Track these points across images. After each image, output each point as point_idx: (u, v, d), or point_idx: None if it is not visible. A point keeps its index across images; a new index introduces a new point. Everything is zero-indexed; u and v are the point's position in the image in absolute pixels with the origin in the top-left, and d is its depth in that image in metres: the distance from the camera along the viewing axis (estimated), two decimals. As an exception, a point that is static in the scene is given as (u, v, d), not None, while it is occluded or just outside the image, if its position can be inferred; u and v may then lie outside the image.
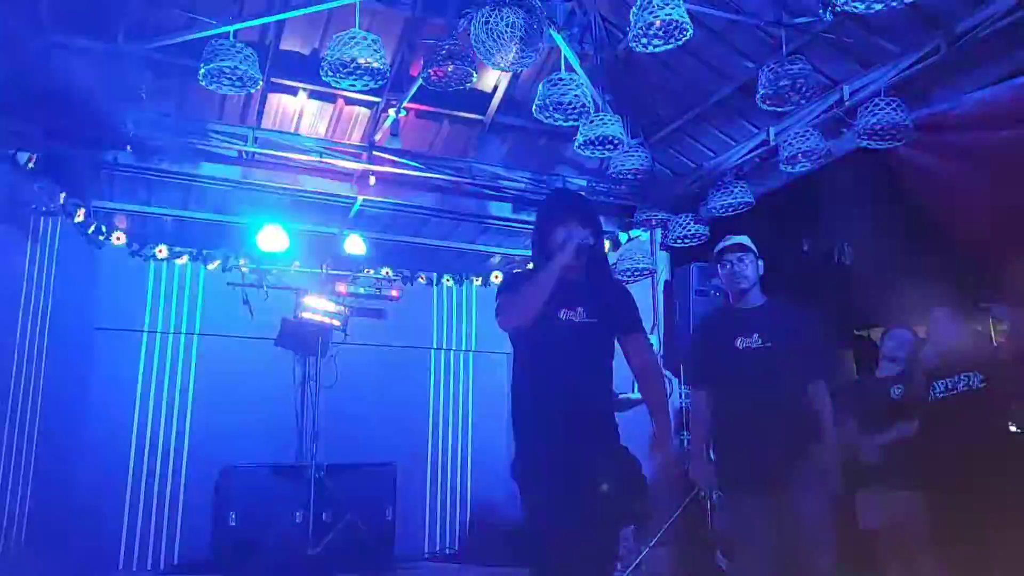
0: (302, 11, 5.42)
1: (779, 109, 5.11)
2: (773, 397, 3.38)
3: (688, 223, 6.70)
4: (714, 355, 3.55)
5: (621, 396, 7.02)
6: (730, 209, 6.13)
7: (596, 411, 2.85)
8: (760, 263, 3.72)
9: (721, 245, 3.68)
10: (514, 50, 4.38)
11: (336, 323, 7.35)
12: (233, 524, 6.51)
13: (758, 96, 4.91)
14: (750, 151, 6.24)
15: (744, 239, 3.65)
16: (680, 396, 7.20)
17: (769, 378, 3.38)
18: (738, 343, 3.53)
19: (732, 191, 6.12)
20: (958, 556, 4.48)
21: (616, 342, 3.00)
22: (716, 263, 3.67)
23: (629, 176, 6.03)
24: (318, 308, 7.29)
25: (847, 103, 5.31)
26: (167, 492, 7.11)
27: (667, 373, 6.94)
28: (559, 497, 2.69)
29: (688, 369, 3.92)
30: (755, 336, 3.50)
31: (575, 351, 2.84)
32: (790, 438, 3.37)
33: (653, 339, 7.04)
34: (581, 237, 2.85)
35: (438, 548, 7.92)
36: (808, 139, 5.37)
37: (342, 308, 7.50)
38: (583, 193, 3.14)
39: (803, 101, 4.94)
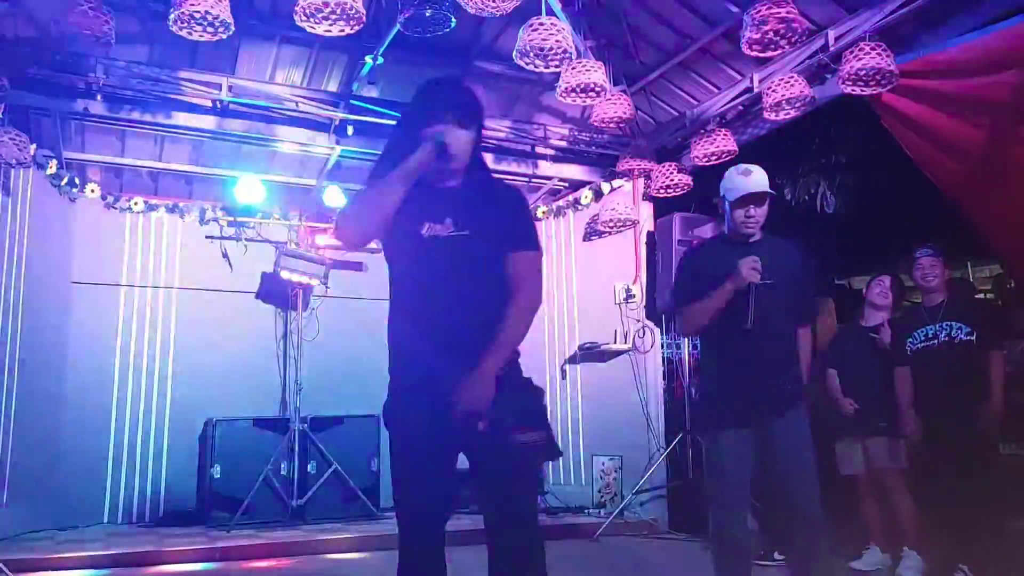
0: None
1: (763, 55, 5.04)
2: (769, 335, 3.30)
3: (671, 172, 6.65)
4: (708, 287, 3.39)
5: (603, 346, 7.09)
6: (713, 158, 6.09)
7: (472, 337, 2.32)
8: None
9: (744, 190, 3.36)
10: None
11: (316, 276, 7.29)
12: (217, 477, 6.52)
13: (742, 41, 4.83)
14: (733, 98, 6.17)
15: (765, 181, 3.39)
16: (663, 347, 7.24)
17: (766, 316, 3.28)
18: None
19: (715, 139, 6.07)
20: (934, 499, 4.58)
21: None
22: (733, 206, 3.38)
23: (611, 125, 5.97)
24: (297, 268, 7.21)
25: (832, 48, 5.24)
26: (150, 446, 7.10)
27: (649, 324, 6.97)
28: (425, 449, 2.38)
29: (675, 297, 3.72)
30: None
31: (442, 271, 2.36)
32: (780, 377, 3.31)
33: (635, 289, 7.04)
34: (445, 135, 2.33)
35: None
36: (792, 86, 5.31)
37: (322, 261, 7.42)
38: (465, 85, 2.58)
39: (788, 47, 4.88)
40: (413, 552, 2.40)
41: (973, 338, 4.42)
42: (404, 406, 2.43)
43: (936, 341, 4.52)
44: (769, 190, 3.41)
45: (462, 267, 2.38)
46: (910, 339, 4.61)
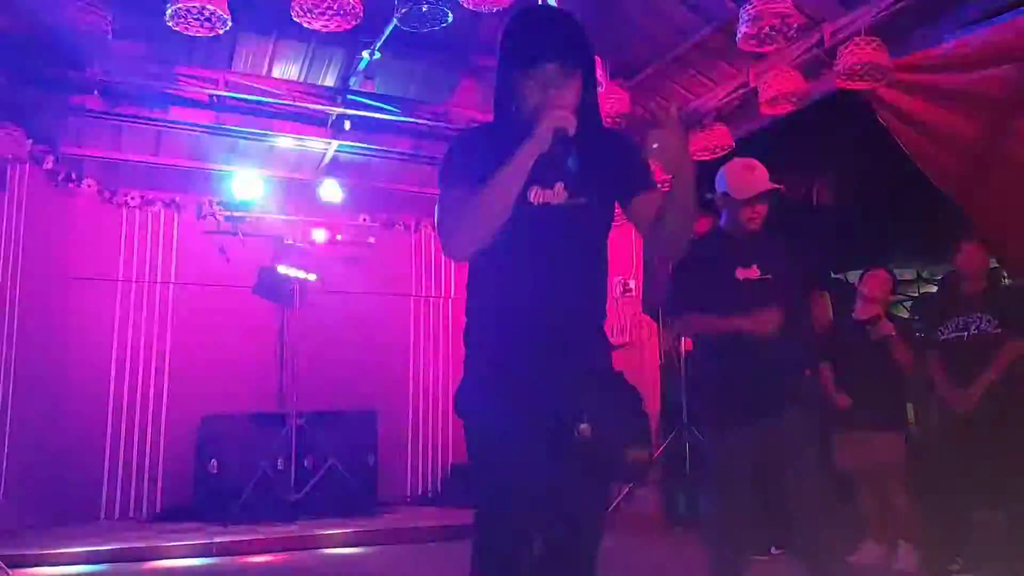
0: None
1: (759, 50, 5.05)
2: (769, 332, 3.22)
3: (667, 167, 6.65)
4: (708, 284, 3.33)
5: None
6: (710, 152, 6.10)
7: (583, 327, 2.07)
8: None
9: (756, 189, 3.30)
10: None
11: (312, 277, 7.29)
12: (214, 472, 6.53)
13: (738, 36, 4.84)
14: (730, 93, 6.18)
15: (768, 175, 3.33)
16: (660, 340, 7.25)
17: (765, 311, 3.21)
18: (738, 274, 3.30)
19: (712, 134, 6.08)
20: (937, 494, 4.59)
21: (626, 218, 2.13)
22: (742, 204, 3.32)
23: (608, 119, 5.97)
24: (294, 262, 7.22)
25: (828, 43, 5.25)
26: (148, 441, 7.11)
27: (646, 318, 6.99)
28: (522, 441, 1.96)
29: (672, 299, 3.66)
30: (753, 267, 3.32)
31: (552, 246, 2.02)
32: (781, 374, 3.27)
33: (632, 283, 7.06)
34: (558, 119, 1.92)
35: (420, 492, 8.01)
36: (788, 80, 5.32)
37: (319, 255, 7.43)
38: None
39: (784, 41, 4.88)
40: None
41: (999, 331, 4.42)
42: (498, 400, 2.03)
43: (966, 333, 4.50)
44: (772, 190, 3.38)
45: (577, 241, 2.06)
46: (941, 326, 4.60)
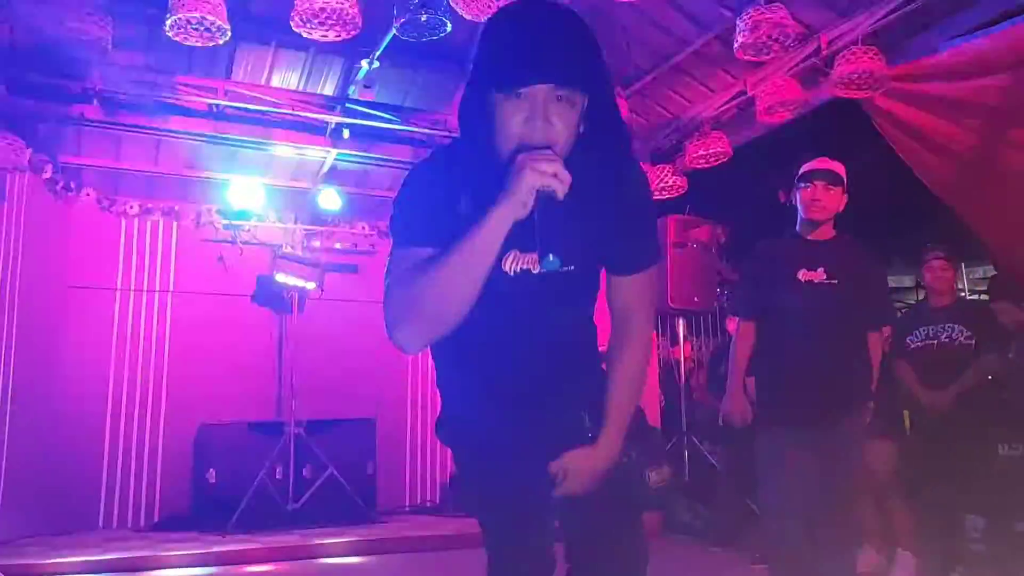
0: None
1: (756, 59, 5.07)
2: (829, 335, 3.23)
3: (666, 175, 6.68)
4: (769, 286, 3.34)
5: (600, 348, 7.09)
6: (708, 160, 6.12)
7: (576, 405, 1.77)
8: (845, 197, 3.43)
9: (810, 166, 3.37)
10: (489, -2, 4.29)
11: (312, 279, 7.29)
12: (212, 481, 6.51)
13: (735, 45, 4.86)
14: (727, 101, 6.20)
15: (837, 166, 3.35)
16: (659, 348, 7.25)
17: (830, 316, 3.22)
18: (801, 276, 3.30)
19: (709, 142, 6.10)
20: (928, 501, 4.62)
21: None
22: (799, 181, 3.36)
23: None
24: (292, 271, 7.22)
25: (824, 52, 5.27)
26: (145, 450, 7.09)
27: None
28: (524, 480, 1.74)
29: (735, 298, 3.71)
30: (820, 270, 3.29)
31: (533, 321, 1.70)
32: (844, 381, 3.24)
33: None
34: (543, 176, 1.41)
35: (419, 501, 7.99)
36: (786, 88, 5.34)
37: (318, 263, 7.43)
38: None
39: (780, 50, 4.91)
40: None
41: (972, 342, 4.49)
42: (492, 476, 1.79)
43: (935, 341, 4.58)
44: (839, 172, 3.34)
45: (562, 312, 1.75)
46: (910, 336, 4.67)
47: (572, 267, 1.58)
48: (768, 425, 3.37)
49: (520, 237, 1.49)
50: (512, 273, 1.62)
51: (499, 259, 1.53)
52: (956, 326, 4.56)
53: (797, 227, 3.47)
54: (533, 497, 1.76)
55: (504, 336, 1.69)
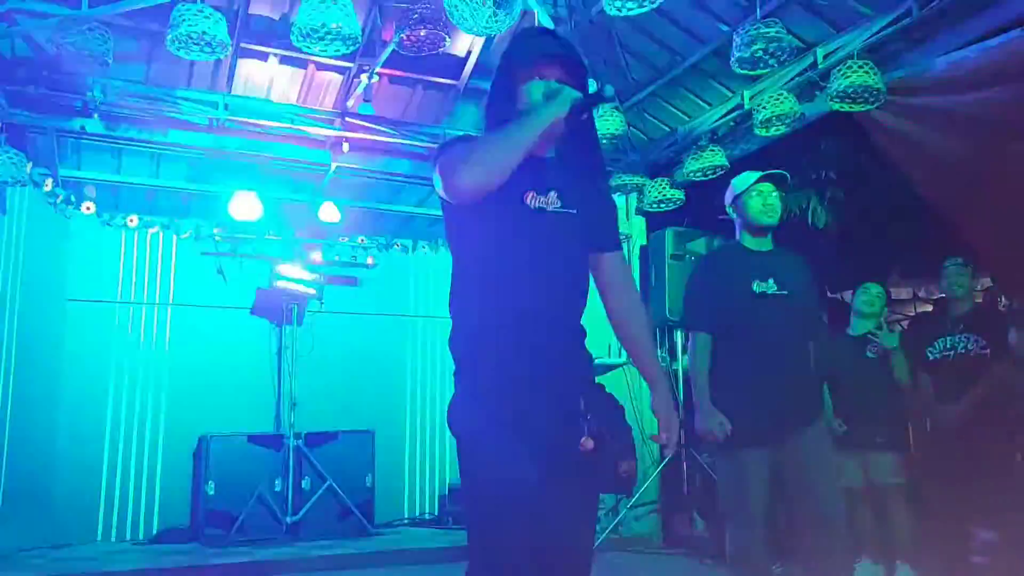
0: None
1: (752, 73, 5.11)
2: (785, 347, 3.25)
3: (663, 188, 6.71)
4: (725, 298, 3.33)
5: (597, 360, 7.10)
6: (705, 173, 6.15)
7: (573, 332, 2.11)
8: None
9: (759, 174, 3.41)
10: (487, 14, 4.33)
11: (311, 292, 7.31)
12: (211, 493, 6.50)
13: (732, 59, 4.90)
14: (724, 115, 6.24)
15: (785, 174, 3.40)
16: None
17: (782, 327, 3.24)
18: (755, 287, 3.30)
19: (707, 155, 6.13)
20: (935, 513, 4.61)
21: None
22: (749, 196, 3.37)
23: (604, 141, 6.01)
24: (292, 277, 7.25)
25: (820, 66, 5.31)
26: (144, 463, 7.09)
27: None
28: (518, 453, 1.93)
29: (687, 311, 3.66)
30: (770, 281, 3.30)
31: (548, 249, 2.06)
32: (801, 392, 3.27)
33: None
34: (574, 93, 2.06)
35: (418, 513, 7.98)
36: (782, 102, 5.38)
37: (317, 276, 7.46)
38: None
39: (776, 64, 4.95)
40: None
41: (987, 352, 4.50)
42: (495, 409, 1.99)
43: (952, 352, 4.60)
44: (787, 180, 3.38)
45: (569, 247, 2.10)
46: (930, 347, 4.69)
47: (574, 209, 2.11)
48: (728, 445, 3.29)
49: (537, 179, 2.07)
50: (532, 207, 2.07)
51: (521, 197, 2.05)
52: (972, 336, 4.57)
53: (741, 237, 3.50)
54: (533, 481, 1.94)
55: (528, 259, 2.05)
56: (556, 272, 2.07)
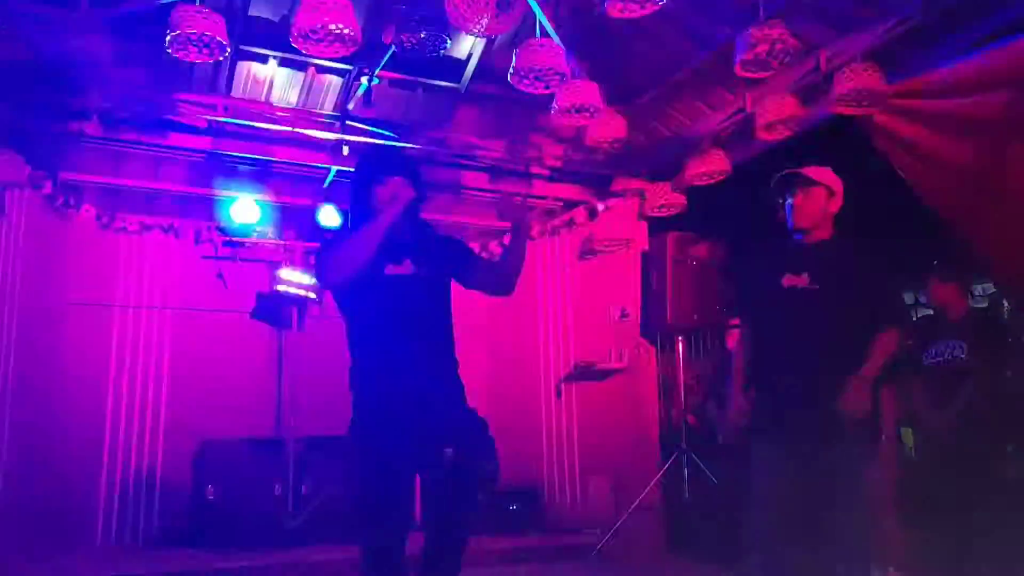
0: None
1: (756, 75, 5.07)
2: (808, 343, 3.12)
3: (665, 192, 6.68)
4: (755, 292, 3.30)
5: (598, 365, 7.08)
6: (707, 177, 6.12)
7: (439, 368, 2.92)
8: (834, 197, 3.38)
9: (782, 174, 3.36)
10: (488, 15, 4.31)
11: (312, 295, 7.28)
12: (211, 498, 6.47)
13: (735, 63, 4.87)
14: (727, 118, 6.21)
15: (811, 171, 3.31)
16: (658, 363, 7.23)
17: (809, 323, 3.12)
18: (784, 282, 3.24)
19: (709, 159, 6.11)
20: (922, 522, 4.60)
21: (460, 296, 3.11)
22: (777, 194, 3.33)
23: (606, 145, 5.99)
24: (293, 280, 7.22)
25: (824, 69, 5.28)
26: (144, 467, 7.06)
27: (644, 342, 6.97)
28: (398, 468, 2.83)
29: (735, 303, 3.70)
30: (804, 275, 3.21)
31: (406, 307, 2.86)
32: (827, 396, 3.05)
33: (631, 308, 7.05)
34: (405, 192, 2.86)
35: (418, 517, 7.92)
36: (785, 106, 5.35)
37: (316, 284, 7.42)
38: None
39: (780, 68, 4.91)
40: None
41: (976, 359, 4.48)
42: (383, 425, 2.83)
43: (942, 359, 4.58)
44: (815, 175, 3.28)
45: (425, 303, 2.90)
46: (926, 352, 4.68)
47: (425, 271, 2.92)
48: (760, 438, 3.29)
49: (393, 253, 2.87)
50: (391, 275, 2.86)
51: (383, 268, 2.85)
52: (960, 343, 4.55)
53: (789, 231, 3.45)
54: (411, 450, 2.80)
55: (390, 318, 2.86)
56: (415, 320, 2.85)
